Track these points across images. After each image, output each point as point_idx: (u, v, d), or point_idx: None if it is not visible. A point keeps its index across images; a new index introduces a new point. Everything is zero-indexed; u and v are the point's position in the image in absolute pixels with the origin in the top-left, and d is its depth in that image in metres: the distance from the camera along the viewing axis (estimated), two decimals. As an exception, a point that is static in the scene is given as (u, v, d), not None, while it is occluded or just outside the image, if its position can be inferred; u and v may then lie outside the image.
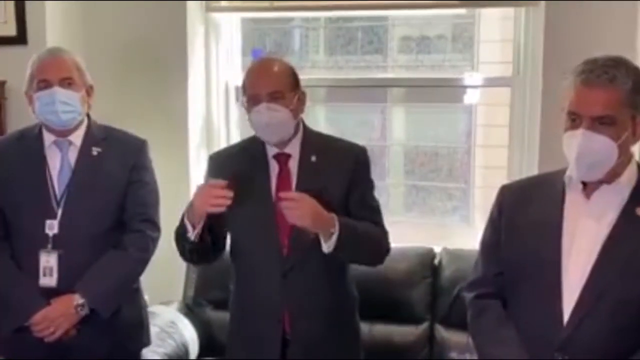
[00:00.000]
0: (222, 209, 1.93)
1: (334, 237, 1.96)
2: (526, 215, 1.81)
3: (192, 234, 1.99)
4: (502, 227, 1.86)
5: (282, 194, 1.95)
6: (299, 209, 1.92)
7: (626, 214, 1.70)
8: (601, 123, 1.65)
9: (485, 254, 1.92)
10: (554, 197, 1.78)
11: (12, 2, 3.10)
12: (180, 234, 2.05)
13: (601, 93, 1.64)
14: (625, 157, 1.71)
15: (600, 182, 1.73)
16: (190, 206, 2.00)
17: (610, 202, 1.72)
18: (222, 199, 1.92)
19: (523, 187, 1.93)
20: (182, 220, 2.04)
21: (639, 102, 1.67)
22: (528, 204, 1.83)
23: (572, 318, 1.69)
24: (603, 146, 1.65)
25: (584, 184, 1.75)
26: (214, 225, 2.02)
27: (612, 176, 1.71)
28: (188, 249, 2.05)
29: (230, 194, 1.92)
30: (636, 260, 1.66)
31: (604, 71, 1.65)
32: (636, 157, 1.78)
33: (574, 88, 1.68)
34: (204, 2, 3.35)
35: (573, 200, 1.76)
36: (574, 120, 1.68)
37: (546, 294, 1.72)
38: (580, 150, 1.65)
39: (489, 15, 3.52)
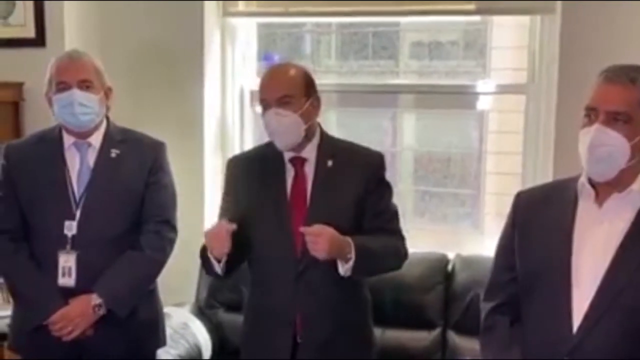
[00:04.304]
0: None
1: (351, 263, 2.01)
2: (539, 221, 1.82)
3: (219, 269, 2.07)
4: (517, 233, 1.86)
5: (303, 230, 1.98)
6: (318, 244, 1.96)
7: (638, 222, 1.71)
8: (616, 119, 1.66)
9: (500, 259, 1.93)
10: (567, 204, 1.78)
11: (31, 5, 3.14)
12: (206, 267, 2.14)
13: (620, 89, 1.66)
14: (637, 161, 1.71)
15: (611, 190, 1.72)
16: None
17: (623, 210, 1.72)
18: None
19: (538, 193, 1.94)
20: (204, 254, 2.10)
21: None
22: (542, 210, 1.83)
23: (582, 325, 1.69)
24: (615, 142, 1.66)
25: (596, 192, 1.75)
26: (236, 248, 2.06)
27: (624, 184, 1.72)
28: (217, 275, 2.12)
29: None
30: None
31: (626, 72, 1.68)
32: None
33: (595, 86, 1.70)
34: (220, 6, 3.37)
35: (585, 207, 1.76)
36: (590, 116, 1.69)
37: (557, 301, 1.73)
38: (592, 142, 1.67)
39: (502, 22, 3.52)
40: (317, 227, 1.98)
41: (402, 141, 3.87)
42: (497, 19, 3.48)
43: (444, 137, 3.80)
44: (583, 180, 1.76)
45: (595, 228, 1.73)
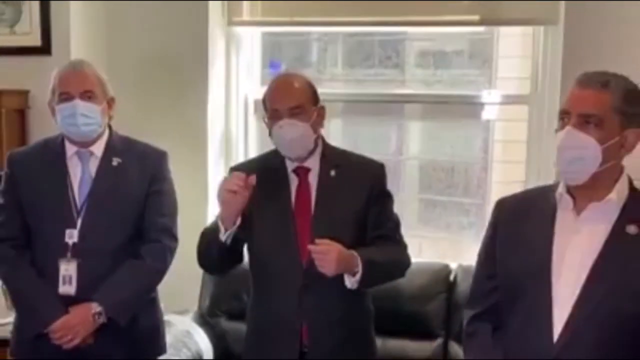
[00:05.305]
0: (244, 199, 1.99)
1: (358, 276, 2.03)
2: (519, 230, 1.81)
3: (223, 235, 2.04)
4: (498, 241, 1.86)
5: (310, 248, 1.99)
6: (326, 261, 1.97)
7: (617, 231, 1.70)
8: (587, 122, 1.67)
9: (481, 267, 1.93)
10: (546, 214, 1.78)
11: (37, 14, 3.16)
12: (209, 237, 2.10)
13: (592, 92, 1.68)
14: (613, 169, 1.72)
15: (589, 198, 1.72)
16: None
17: (601, 219, 1.72)
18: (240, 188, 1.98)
19: (518, 201, 1.92)
20: (209, 228, 2.09)
21: (630, 113, 1.69)
22: (521, 219, 1.83)
23: (562, 336, 1.68)
24: (586, 144, 1.66)
25: (575, 200, 1.74)
26: (239, 235, 2.07)
27: (601, 193, 1.71)
28: (217, 252, 2.09)
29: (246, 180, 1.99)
30: (626, 278, 1.66)
31: (599, 77, 1.70)
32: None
33: (570, 90, 1.72)
34: (225, 15, 3.39)
35: (564, 217, 1.76)
36: (564, 119, 1.71)
37: (536, 311, 1.73)
38: (563, 143, 1.68)
39: (507, 32, 3.52)
40: (325, 245, 1.98)
41: (407, 150, 3.87)
42: (502, 29, 3.49)
43: (450, 146, 3.80)
44: (561, 190, 1.76)
45: (573, 237, 1.73)
